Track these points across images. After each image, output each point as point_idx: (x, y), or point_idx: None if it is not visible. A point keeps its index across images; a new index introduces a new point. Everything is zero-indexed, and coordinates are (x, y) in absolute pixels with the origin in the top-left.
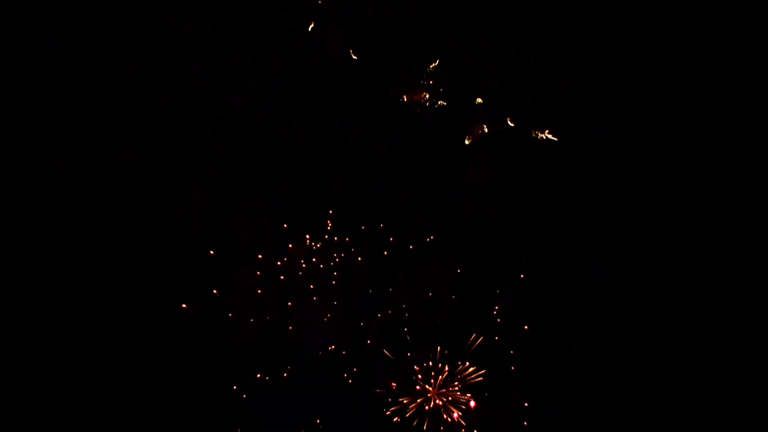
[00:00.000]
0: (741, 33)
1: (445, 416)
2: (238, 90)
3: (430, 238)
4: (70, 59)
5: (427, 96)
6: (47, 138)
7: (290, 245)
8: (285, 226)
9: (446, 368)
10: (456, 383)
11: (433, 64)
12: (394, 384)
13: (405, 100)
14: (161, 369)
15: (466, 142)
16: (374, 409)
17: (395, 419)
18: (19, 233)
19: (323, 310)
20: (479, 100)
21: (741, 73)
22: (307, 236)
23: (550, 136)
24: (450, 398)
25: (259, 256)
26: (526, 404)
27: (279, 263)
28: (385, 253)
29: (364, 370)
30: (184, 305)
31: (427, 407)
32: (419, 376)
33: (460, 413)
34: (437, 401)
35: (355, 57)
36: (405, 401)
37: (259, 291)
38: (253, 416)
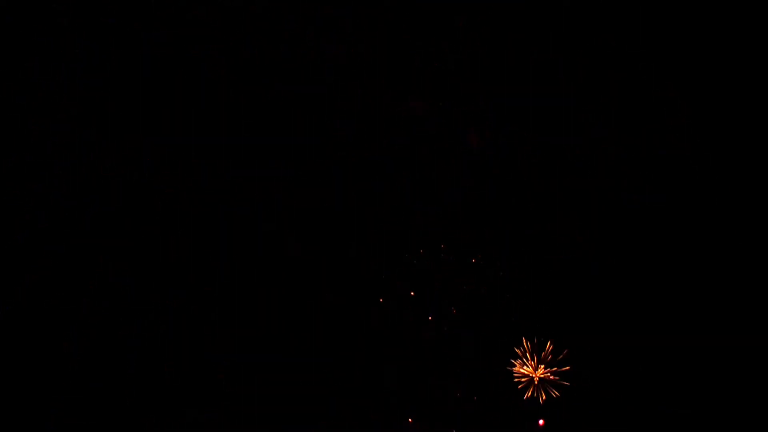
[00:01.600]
0: (741, 33)
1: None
2: (239, 90)
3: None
4: (70, 59)
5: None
6: (47, 138)
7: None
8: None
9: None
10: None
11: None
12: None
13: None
14: (161, 369)
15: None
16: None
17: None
18: (19, 233)
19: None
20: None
21: (741, 73)
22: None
23: None
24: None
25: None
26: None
27: (280, 263)
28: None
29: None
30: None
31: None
32: None
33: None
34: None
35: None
36: None
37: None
38: (254, 416)
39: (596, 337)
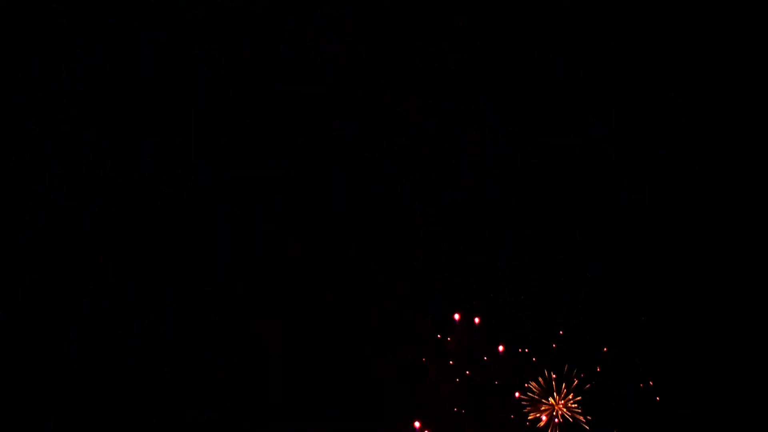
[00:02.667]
0: (741, 33)
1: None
2: (239, 90)
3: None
4: (70, 59)
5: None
6: (47, 138)
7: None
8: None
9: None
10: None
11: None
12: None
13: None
14: (161, 369)
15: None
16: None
17: None
18: (19, 233)
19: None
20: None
21: (741, 73)
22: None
23: None
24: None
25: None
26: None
27: (279, 263)
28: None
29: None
30: None
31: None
32: None
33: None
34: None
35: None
36: None
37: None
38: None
39: (595, 337)
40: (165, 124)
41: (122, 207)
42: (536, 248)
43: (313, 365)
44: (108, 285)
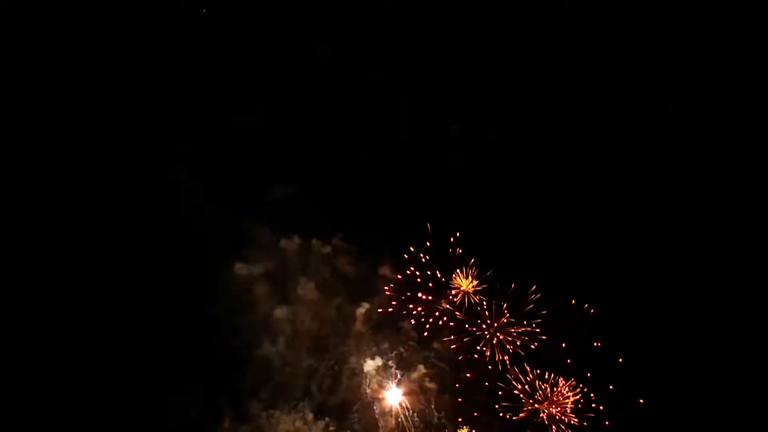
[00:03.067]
0: (741, 33)
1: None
2: (239, 90)
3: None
4: (70, 59)
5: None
6: (50, 138)
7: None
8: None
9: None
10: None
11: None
12: None
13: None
14: (161, 368)
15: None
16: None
17: None
18: (19, 233)
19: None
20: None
21: (741, 73)
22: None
23: None
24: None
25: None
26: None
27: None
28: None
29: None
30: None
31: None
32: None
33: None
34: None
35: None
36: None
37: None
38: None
39: (595, 337)
40: (165, 124)
41: (123, 207)
42: (536, 245)
43: (303, 360)
44: (108, 285)
